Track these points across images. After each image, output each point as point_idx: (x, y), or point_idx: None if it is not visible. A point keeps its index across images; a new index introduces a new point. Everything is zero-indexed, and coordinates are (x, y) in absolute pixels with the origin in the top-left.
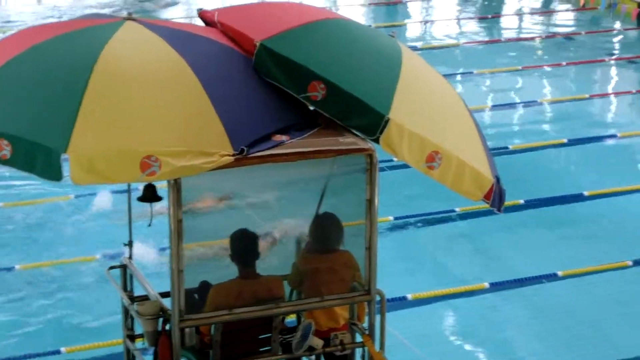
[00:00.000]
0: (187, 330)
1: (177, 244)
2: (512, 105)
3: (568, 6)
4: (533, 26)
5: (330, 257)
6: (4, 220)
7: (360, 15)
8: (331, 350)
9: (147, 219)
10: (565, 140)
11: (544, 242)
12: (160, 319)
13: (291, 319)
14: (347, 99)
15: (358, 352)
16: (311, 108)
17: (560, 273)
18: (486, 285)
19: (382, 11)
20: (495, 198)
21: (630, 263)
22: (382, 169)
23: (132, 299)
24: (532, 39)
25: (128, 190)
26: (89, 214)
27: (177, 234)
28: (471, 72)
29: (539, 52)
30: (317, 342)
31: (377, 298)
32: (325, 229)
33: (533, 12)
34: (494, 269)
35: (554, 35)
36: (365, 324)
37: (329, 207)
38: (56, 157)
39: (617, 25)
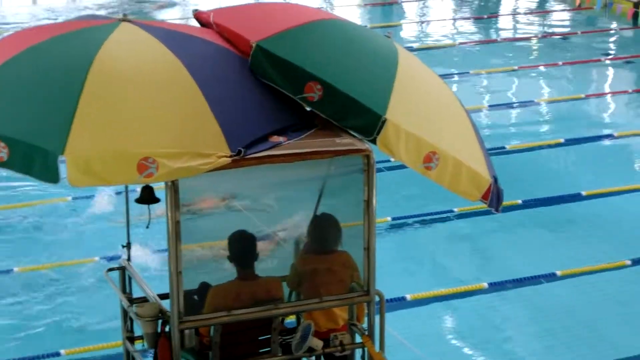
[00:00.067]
0: (186, 331)
1: (175, 246)
2: (508, 106)
3: (564, 6)
4: (529, 26)
5: (328, 257)
6: (2, 223)
7: (356, 16)
8: (331, 351)
9: (148, 221)
10: (562, 140)
11: (542, 242)
12: (160, 321)
13: (291, 320)
14: (344, 99)
15: (358, 352)
16: (308, 109)
17: (558, 273)
18: (485, 285)
19: (378, 12)
20: (493, 198)
21: (628, 262)
22: (379, 170)
23: (131, 300)
24: (528, 39)
25: (126, 192)
26: (87, 216)
27: (175, 235)
28: (467, 72)
29: (535, 52)
30: (317, 343)
31: (377, 299)
32: (324, 230)
33: (529, 12)
34: (493, 269)
35: (550, 35)
36: (365, 325)
37: (327, 208)
38: (53, 159)
39: (613, 25)
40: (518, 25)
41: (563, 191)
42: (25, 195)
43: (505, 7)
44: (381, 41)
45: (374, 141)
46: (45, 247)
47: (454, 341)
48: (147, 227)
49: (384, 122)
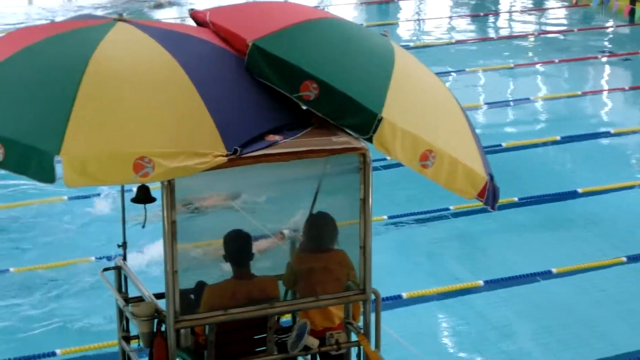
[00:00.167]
0: (182, 331)
1: (171, 245)
2: (505, 103)
3: (560, 3)
4: (525, 24)
5: (324, 256)
6: None
7: (353, 14)
8: (327, 349)
9: (148, 221)
10: (558, 138)
11: (538, 240)
12: (156, 320)
13: (286, 318)
14: (340, 98)
15: (353, 351)
16: (304, 108)
17: (555, 270)
18: (481, 283)
19: (374, 10)
20: (489, 196)
21: (625, 259)
22: (375, 168)
23: (127, 300)
24: (525, 36)
25: (122, 192)
26: (83, 216)
27: (172, 235)
28: (464, 70)
29: (532, 50)
30: (313, 342)
31: (372, 297)
32: (320, 229)
33: (525, 10)
34: (489, 267)
35: (546, 32)
36: (361, 323)
37: (323, 206)
38: (49, 159)
39: (610, 22)
40: (514, 23)
41: (559, 189)
42: (21, 195)
43: (501, 5)
44: (377, 40)
45: (370, 140)
46: (41, 247)
47: (450, 339)
48: (143, 226)
49: (380, 120)
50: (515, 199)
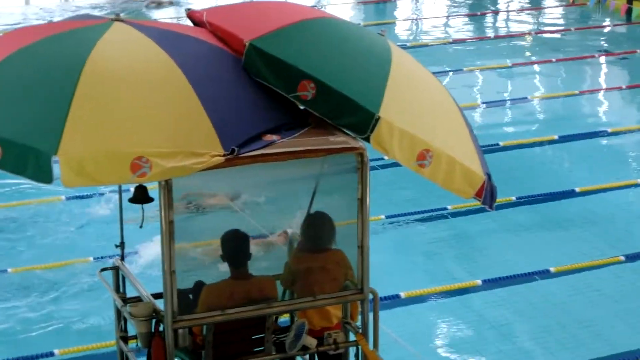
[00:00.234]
0: (180, 331)
1: (169, 245)
2: (502, 102)
3: (557, 2)
4: (522, 23)
5: (322, 256)
6: None
7: (350, 14)
8: (325, 349)
9: (148, 221)
10: (556, 137)
11: (536, 239)
12: (154, 320)
13: (284, 318)
14: (337, 97)
15: (352, 351)
16: (301, 107)
17: (553, 270)
18: (479, 282)
19: (371, 9)
20: (487, 195)
21: (622, 259)
22: (373, 168)
23: (125, 300)
24: (522, 36)
25: (119, 192)
26: (81, 216)
27: (169, 235)
28: (461, 70)
29: (529, 49)
30: (311, 342)
31: (370, 297)
32: (317, 228)
33: (522, 10)
34: (487, 267)
35: (543, 32)
36: (359, 323)
37: (321, 206)
38: (46, 159)
39: (606, 21)
40: (511, 22)
41: (557, 188)
42: (18, 195)
43: (498, 4)
44: (375, 39)
45: (367, 139)
46: (39, 247)
47: (447, 339)
48: (141, 226)
49: (377, 120)
50: (513, 198)
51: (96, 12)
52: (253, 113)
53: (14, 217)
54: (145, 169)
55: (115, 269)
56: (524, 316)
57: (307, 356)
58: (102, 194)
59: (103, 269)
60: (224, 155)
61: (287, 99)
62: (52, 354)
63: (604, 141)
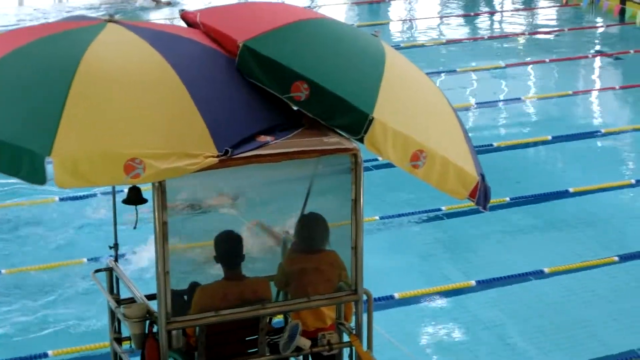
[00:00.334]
0: (174, 332)
1: (162, 246)
2: (495, 103)
3: (550, 3)
4: (516, 24)
5: (316, 257)
6: None
7: (343, 15)
8: (319, 350)
9: (141, 222)
10: (549, 137)
11: (530, 240)
12: (147, 322)
13: (278, 319)
14: (331, 98)
15: (346, 352)
16: (295, 108)
17: (547, 270)
18: (473, 283)
19: (365, 10)
20: (481, 196)
21: (616, 259)
22: (367, 168)
23: (119, 301)
24: (515, 36)
25: (113, 193)
26: (75, 217)
27: (163, 236)
28: (454, 70)
29: (522, 50)
30: (305, 343)
31: (364, 297)
32: (311, 229)
33: (515, 10)
34: (481, 267)
35: (537, 32)
36: (353, 324)
37: (315, 207)
38: (40, 160)
39: (600, 21)
40: (505, 23)
41: (551, 188)
42: (13, 196)
43: (492, 5)
44: (368, 40)
45: (361, 140)
46: (33, 248)
47: (442, 340)
48: (135, 227)
49: (371, 120)
50: (507, 199)
51: (91, 13)
52: (247, 114)
53: (8, 218)
54: (138, 170)
55: (109, 270)
56: (519, 317)
57: (301, 357)
58: (95, 195)
59: (97, 270)
60: (217, 157)
61: (280, 99)
62: (46, 355)
63: (598, 142)
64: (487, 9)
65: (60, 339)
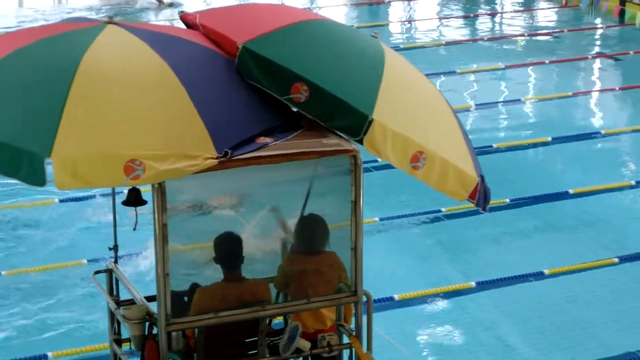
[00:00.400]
0: (173, 333)
1: (162, 248)
2: (495, 104)
3: (550, 4)
4: (515, 25)
5: (316, 258)
6: None
7: (343, 16)
8: (318, 352)
9: (141, 223)
10: (549, 139)
11: (530, 241)
12: (147, 323)
13: (278, 321)
14: (331, 100)
15: (345, 353)
16: (294, 110)
17: (546, 271)
18: (473, 284)
19: (364, 11)
20: (480, 197)
21: (616, 260)
22: (367, 170)
23: (118, 303)
24: (515, 37)
25: (112, 194)
26: (75, 218)
27: (162, 237)
28: (454, 72)
29: (522, 51)
30: (304, 344)
31: (364, 299)
32: (311, 231)
33: (515, 11)
34: (480, 269)
35: (536, 33)
36: (352, 325)
37: (314, 208)
38: (40, 162)
39: (599, 22)
40: (504, 24)
41: (551, 190)
42: (13, 197)
43: (491, 6)
44: (368, 41)
45: (360, 141)
46: (33, 249)
47: (442, 341)
48: (134, 229)
49: (370, 122)
50: (507, 200)
51: (91, 15)
52: (246, 115)
53: (8, 219)
54: (138, 171)
55: (109, 272)
56: (518, 318)
57: (300, 359)
58: (95, 197)
59: (97, 272)
60: (217, 158)
61: (280, 101)
62: (45, 357)
63: (598, 143)
64: (486, 11)
65: (60, 340)
